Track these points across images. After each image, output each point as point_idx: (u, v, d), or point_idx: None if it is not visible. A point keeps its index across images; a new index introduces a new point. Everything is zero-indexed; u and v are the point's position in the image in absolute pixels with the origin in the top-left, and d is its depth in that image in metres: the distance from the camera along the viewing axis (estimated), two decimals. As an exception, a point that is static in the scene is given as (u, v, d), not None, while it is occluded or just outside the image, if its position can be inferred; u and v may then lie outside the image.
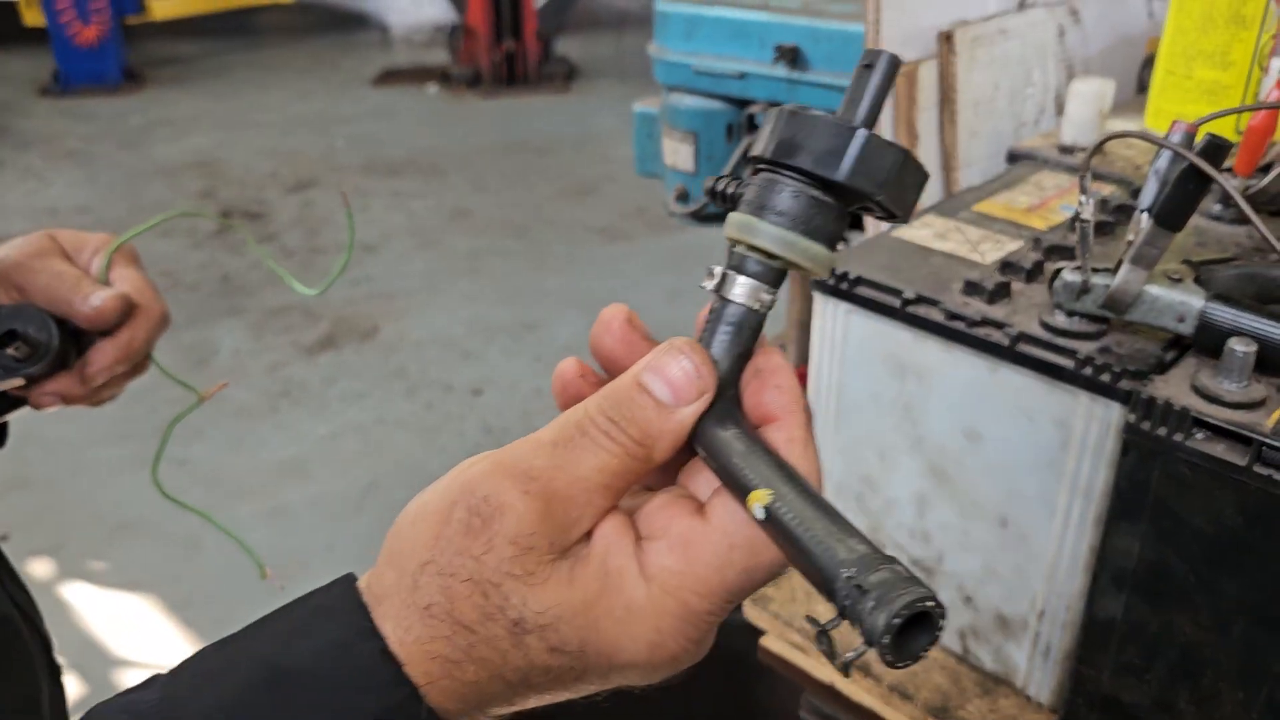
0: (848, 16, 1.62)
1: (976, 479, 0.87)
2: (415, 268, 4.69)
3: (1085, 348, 0.78)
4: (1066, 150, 1.17)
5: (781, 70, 1.67)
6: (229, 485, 3.21)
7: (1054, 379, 0.79)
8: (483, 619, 0.42)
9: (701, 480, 0.47)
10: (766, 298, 0.48)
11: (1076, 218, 0.76)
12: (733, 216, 0.48)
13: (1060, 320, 0.79)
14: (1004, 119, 1.35)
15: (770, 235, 0.46)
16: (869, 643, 0.38)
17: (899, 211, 0.47)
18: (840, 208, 0.47)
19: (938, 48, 1.27)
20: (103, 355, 0.80)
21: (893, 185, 0.45)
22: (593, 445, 0.43)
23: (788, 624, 1.02)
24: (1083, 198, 0.74)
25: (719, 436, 0.45)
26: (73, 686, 2.41)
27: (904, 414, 0.90)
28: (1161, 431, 0.71)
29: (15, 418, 0.86)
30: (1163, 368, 0.76)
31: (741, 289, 0.47)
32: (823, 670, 1.00)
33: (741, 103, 1.79)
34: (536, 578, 0.42)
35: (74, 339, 0.80)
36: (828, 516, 0.41)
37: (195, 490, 3.21)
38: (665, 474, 0.49)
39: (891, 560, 0.39)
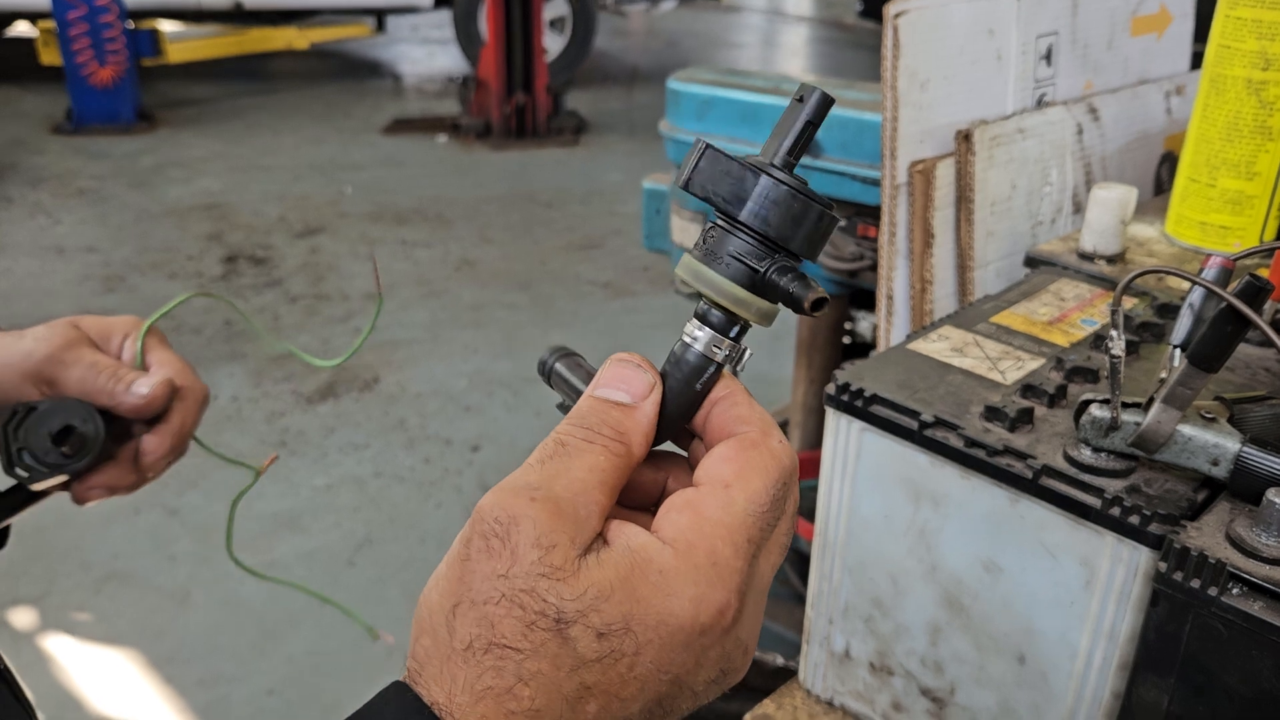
0: (862, 105, 1.60)
1: (994, 612, 0.83)
2: (419, 318, 4.68)
3: (1112, 486, 0.74)
4: (1087, 257, 1.15)
5: (794, 154, 1.65)
6: (221, 536, 3.16)
7: (1079, 517, 0.75)
8: (525, 631, 0.42)
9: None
10: (717, 349, 0.49)
11: (1106, 350, 0.73)
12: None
13: (1086, 455, 0.76)
14: (1021, 219, 1.33)
15: (681, 266, 0.50)
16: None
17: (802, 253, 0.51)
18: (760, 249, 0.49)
19: (956, 146, 1.25)
20: (158, 444, 0.78)
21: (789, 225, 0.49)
22: (577, 452, 0.46)
23: (791, 747, 0.97)
24: (1113, 332, 0.71)
25: None
26: (49, 747, 2.35)
27: (918, 539, 0.86)
28: (1195, 584, 0.67)
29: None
30: (1195, 511, 0.73)
31: (692, 329, 0.50)
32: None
33: (753, 184, 1.77)
34: (566, 571, 0.42)
35: (111, 428, 0.78)
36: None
37: (185, 541, 3.16)
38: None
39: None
